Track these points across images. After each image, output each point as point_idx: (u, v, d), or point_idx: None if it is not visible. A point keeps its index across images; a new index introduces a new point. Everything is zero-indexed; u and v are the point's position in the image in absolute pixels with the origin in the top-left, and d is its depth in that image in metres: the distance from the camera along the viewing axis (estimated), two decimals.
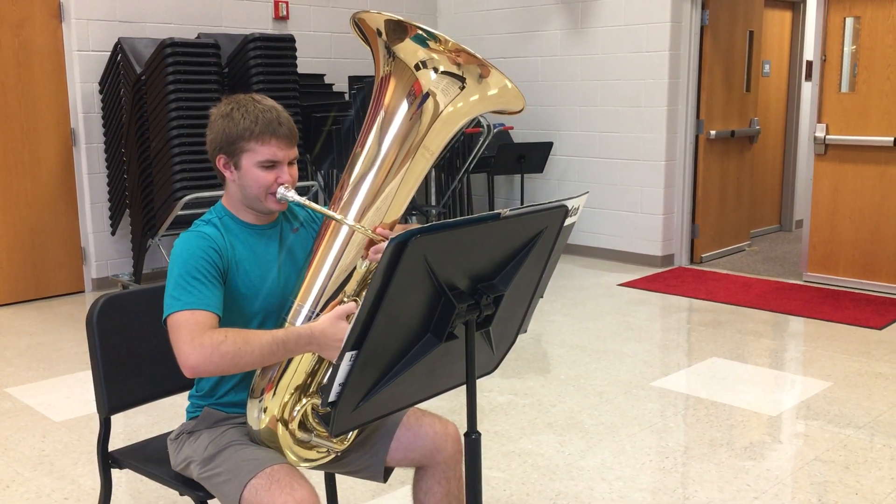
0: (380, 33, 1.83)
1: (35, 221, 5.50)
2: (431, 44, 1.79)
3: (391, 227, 1.84)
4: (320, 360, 1.82)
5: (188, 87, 4.97)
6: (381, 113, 1.82)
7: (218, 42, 5.22)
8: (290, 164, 1.86)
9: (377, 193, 1.81)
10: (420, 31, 1.78)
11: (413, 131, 1.80)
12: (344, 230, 1.82)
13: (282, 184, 1.83)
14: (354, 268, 1.81)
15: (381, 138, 1.82)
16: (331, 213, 1.77)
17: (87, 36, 5.47)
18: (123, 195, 5.46)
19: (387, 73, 1.83)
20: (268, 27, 6.30)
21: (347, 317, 1.72)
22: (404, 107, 1.81)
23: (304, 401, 1.82)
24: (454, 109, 1.81)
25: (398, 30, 1.80)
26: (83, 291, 5.73)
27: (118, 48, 5.31)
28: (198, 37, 5.64)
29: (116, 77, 5.34)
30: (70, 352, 4.43)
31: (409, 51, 1.80)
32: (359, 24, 1.87)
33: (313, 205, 1.80)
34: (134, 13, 5.63)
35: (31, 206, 5.47)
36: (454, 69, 1.79)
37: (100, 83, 5.54)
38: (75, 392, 3.84)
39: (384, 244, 1.76)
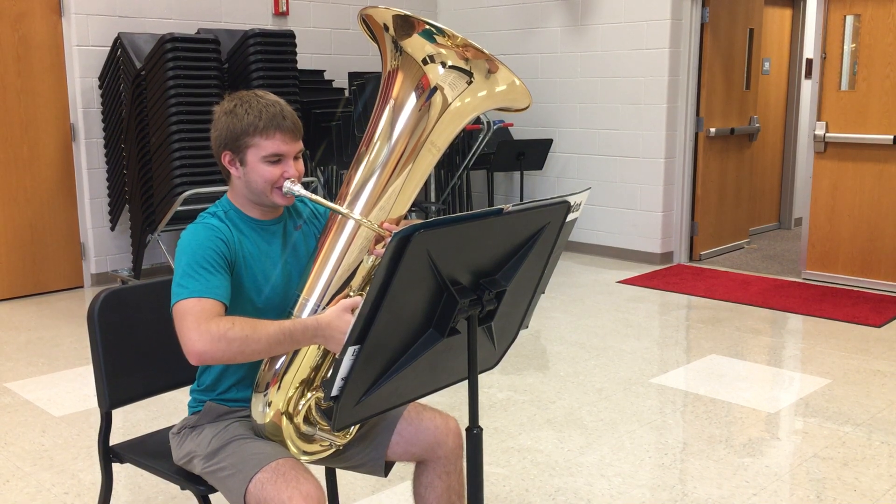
0: (387, 28, 1.83)
1: (34, 217, 5.50)
2: (439, 39, 1.79)
3: (397, 223, 1.84)
4: (325, 355, 1.82)
5: (188, 83, 4.96)
6: (389, 107, 1.83)
7: (218, 37, 5.21)
8: (296, 158, 1.86)
9: (384, 188, 1.81)
10: (428, 26, 1.78)
11: (420, 125, 1.81)
12: (350, 225, 1.82)
13: (288, 178, 1.83)
14: (360, 262, 1.82)
15: (389, 133, 1.82)
16: (337, 207, 1.78)
17: (87, 31, 5.46)
18: (123, 190, 5.46)
19: (394, 68, 1.83)
20: (268, 23, 6.30)
21: (353, 310, 1.72)
22: (412, 100, 1.81)
23: (308, 395, 1.82)
24: (462, 104, 1.81)
25: (406, 25, 1.80)
26: (82, 287, 5.73)
27: (118, 43, 5.30)
28: (197, 32, 5.64)
29: (116, 72, 5.34)
30: (69, 347, 4.43)
31: (416, 45, 1.80)
32: (366, 20, 1.87)
33: (320, 199, 1.80)
34: (134, 8, 5.63)
35: (30, 202, 5.47)
36: (462, 64, 1.79)
37: (99, 78, 5.54)
38: (75, 387, 3.84)
39: (390, 238, 1.77)
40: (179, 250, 1.78)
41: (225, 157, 1.86)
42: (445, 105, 1.80)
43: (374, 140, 1.83)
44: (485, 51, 1.79)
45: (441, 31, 1.78)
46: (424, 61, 1.80)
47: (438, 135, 1.83)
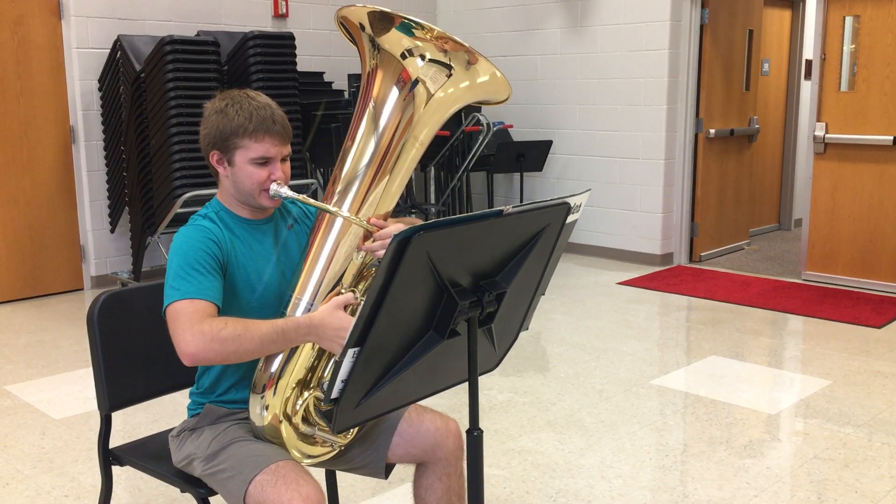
0: (363, 27, 1.82)
1: (34, 219, 5.49)
2: (417, 32, 1.79)
3: (384, 218, 1.85)
4: (319, 355, 1.82)
5: (188, 85, 4.96)
6: (370, 105, 1.83)
7: (217, 40, 5.21)
8: (283, 160, 1.87)
9: (370, 185, 1.82)
10: (405, 20, 1.78)
11: (403, 120, 1.81)
12: (338, 223, 1.82)
13: (275, 180, 1.83)
14: (350, 259, 1.82)
15: (371, 130, 1.82)
16: (324, 205, 1.79)
17: (87, 33, 5.46)
18: (122, 193, 5.45)
19: (373, 67, 1.83)
20: (267, 25, 6.30)
21: (345, 306, 1.73)
22: (394, 95, 1.81)
23: (305, 395, 1.82)
24: (444, 95, 1.81)
25: (383, 20, 1.80)
26: (82, 289, 5.72)
27: (118, 45, 5.30)
28: (197, 34, 5.64)
29: (116, 74, 5.33)
30: (69, 349, 4.42)
31: (394, 41, 1.80)
32: (343, 23, 1.87)
33: (307, 199, 1.81)
34: (133, 10, 5.63)
35: (30, 204, 5.47)
36: (441, 56, 1.79)
37: (99, 80, 5.54)
38: (75, 389, 3.83)
39: (379, 233, 1.78)
40: (171, 253, 1.79)
41: (213, 156, 1.87)
42: (428, 97, 1.80)
43: (358, 138, 1.83)
44: (463, 43, 1.79)
45: (419, 25, 1.78)
46: (403, 55, 1.80)
47: (422, 128, 1.83)
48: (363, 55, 1.85)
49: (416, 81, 1.79)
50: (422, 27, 1.78)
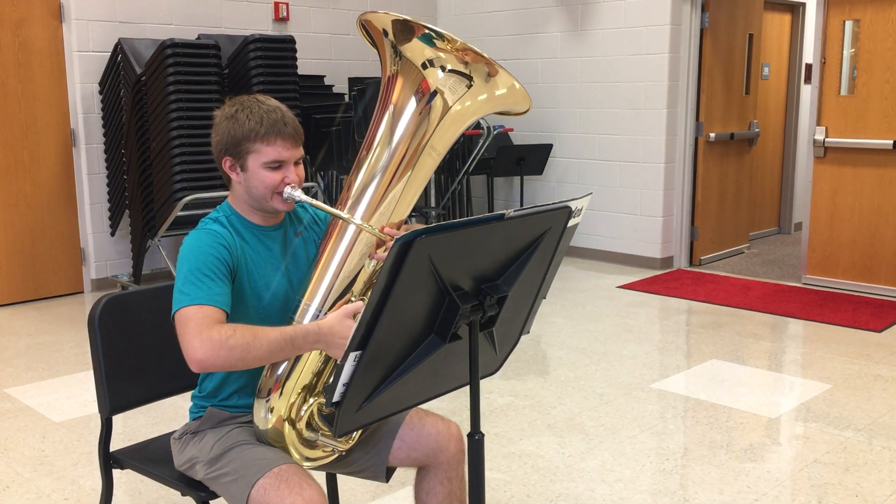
0: (386, 33, 1.83)
1: (34, 222, 5.50)
2: (438, 43, 1.79)
3: (398, 227, 1.84)
4: (327, 361, 1.82)
5: (188, 88, 4.96)
6: (389, 112, 1.83)
7: (218, 43, 5.22)
8: (296, 163, 1.86)
9: (384, 193, 1.82)
10: (427, 31, 1.79)
11: (420, 130, 1.81)
12: (351, 230, 1.82)
13: (288, 183, 1.83)
14: (362, 267, 1.82)
15: (389, 137, 1.82)
16: (338, 212, 1.78)
17: (88, 36, 5.47)
18: (123, 196, 5.46)
19: (394, 73, 1.83)
20: (268, 28, 6.31)
21: (354, 315, 1.73)
22: (412, 105, 1.81)
23: (310, 401, 1.82)
24: (462, 108, 1.81)
25: (405, 29, 1.81)
26: (82, 292, 5.72)
27: (118, 49, 5.31)
28: (198, 38, 5.64)
29: (116, 77, 5.34)
30: (70, 352, 4.42)
31: (416, 50, 1.80)
32: (365, 26, 1.88)
33: (320, 204, 1.81)
34: (134, 14, 5.63)
35: (30, 207, 5.47)
36: (461, 68, 1.80)
37: (100, 84, 5.54)
38: (75, 392, 3.83)
39: (391, 243, 1.77)
40: (182, 256, 1.78)
41: (226, 162, 1.86)
42: (446, 109, 1.81)
43: (375, 145, 1.83)
44: (484, 54, 1.79)
45: (440, 36, 1.79)
46: (424, 65, 1.80)
47: (439, 139, 1.83)
48: (384, 59, 1.86)
49: (435, 93, 1.80)
50: (443, 38, 1.78)
